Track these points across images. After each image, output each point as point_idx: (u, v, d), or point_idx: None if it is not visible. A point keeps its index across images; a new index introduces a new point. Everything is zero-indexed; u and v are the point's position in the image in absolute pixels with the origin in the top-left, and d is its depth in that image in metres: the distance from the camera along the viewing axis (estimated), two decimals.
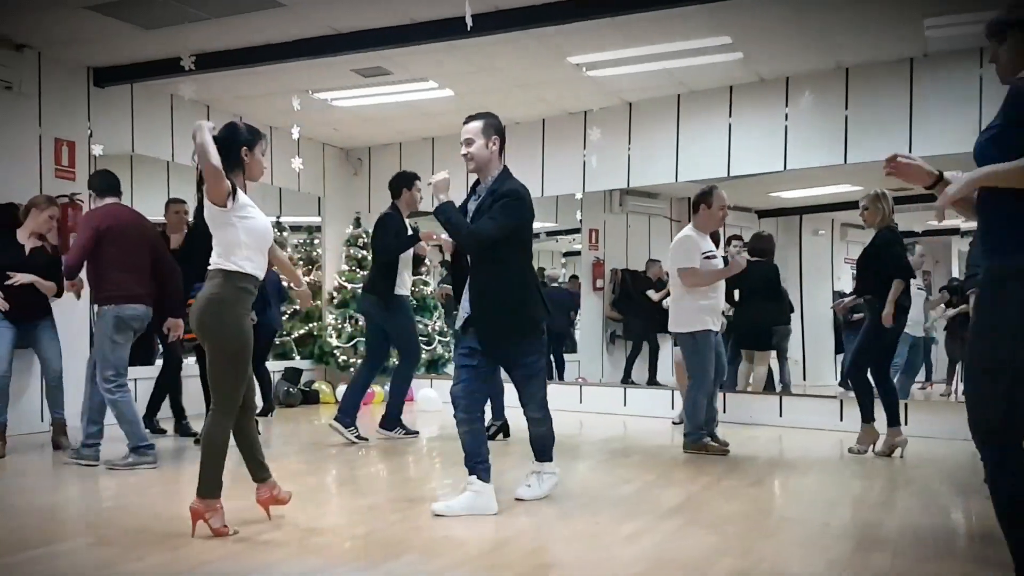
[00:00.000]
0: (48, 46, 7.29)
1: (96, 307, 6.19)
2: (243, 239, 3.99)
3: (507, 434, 7.13)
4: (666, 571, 3.44)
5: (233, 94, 8.63)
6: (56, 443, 6.46)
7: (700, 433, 6.45)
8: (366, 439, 6.85)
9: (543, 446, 4.85)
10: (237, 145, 4.09)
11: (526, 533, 4.14)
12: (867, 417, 6.43)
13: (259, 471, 4.28)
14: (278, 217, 10.07)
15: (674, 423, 8.14)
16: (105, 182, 6.09)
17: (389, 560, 3.58)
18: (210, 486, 3.93)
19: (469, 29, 6.09)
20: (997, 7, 3.18)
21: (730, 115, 8.51)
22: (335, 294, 10.36)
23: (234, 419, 4.05)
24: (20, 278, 6.13)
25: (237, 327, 3.97)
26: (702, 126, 8.67)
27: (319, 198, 10.64)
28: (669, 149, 8.82)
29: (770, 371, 8.79)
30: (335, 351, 10.05)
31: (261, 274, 4.12)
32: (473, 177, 4.71)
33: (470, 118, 4.57)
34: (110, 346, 5.70)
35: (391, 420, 7.15)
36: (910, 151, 7.47)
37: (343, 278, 10.32)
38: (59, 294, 6.42)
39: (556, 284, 10.92)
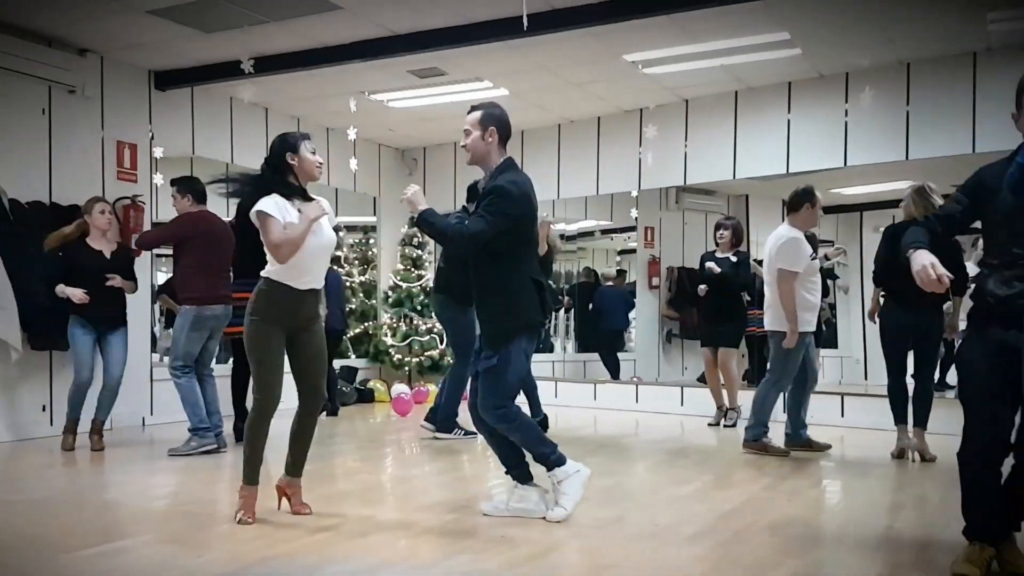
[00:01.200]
0: (110, 50, 7.44)
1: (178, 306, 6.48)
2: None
3: (545, 428, 7.09)
4: (729, 572, 3.40)
5: (291, 96, 8.73)
6: (93, 442, 6.46)
7: (762, 430, 6.35)
8: (473, 433, 6.74)
9: (531, 451, 4.35)
10: (281, 155, 4.22)
11: (582, 534, 4.12)
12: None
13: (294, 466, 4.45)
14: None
15: (709, 424, 8.05)
16: (199, 189, 6.47)
17: (447, 559, 3.59)
18: (249, 472, 4.26)
19: (525, 28, 6.10)
20: None
21: (789, 111, 8.40)
22: (390, 293, 10.43)
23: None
24: (116, 280, 6.38)
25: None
26: (760, 123, 8.58)
27: (374, 198, 10.73)
28: (727, 146, 8.74)
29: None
30: (390, 350, 10.12)
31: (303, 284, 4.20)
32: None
33: (471, 109, 4.38)
34: (185, 340, 6.21)
35: (447, 421, 7.07)
36: (973, 148, 7.42)
37: (398, 277, 10.39)
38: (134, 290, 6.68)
39: (609, 284, 10.90)
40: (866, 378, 9.76)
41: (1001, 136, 7.27)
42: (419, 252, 10.39)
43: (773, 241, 6.31)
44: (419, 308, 10.27)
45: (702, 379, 8.68)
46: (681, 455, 6.57)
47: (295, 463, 4.41)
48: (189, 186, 6.47)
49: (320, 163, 4.33)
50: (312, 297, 4.25)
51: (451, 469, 6.00)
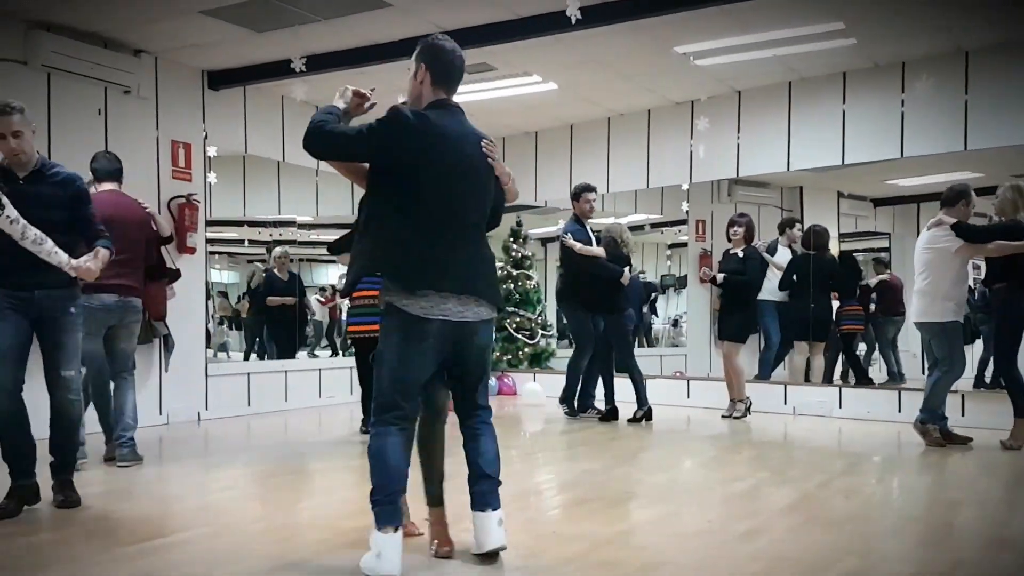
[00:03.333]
0: (164, 51, 7.55)
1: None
2: None
3: (650, 418, 7.66)
4: (784, 570, 3.35)
5: None
6: None
7: (931, 415, 6.29)
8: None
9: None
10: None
11: (635, 530, 4.10)
12: (1020, 412, 6.17)
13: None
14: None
15: (723, 416, 8.00)
16: (103, 167, 5.82)
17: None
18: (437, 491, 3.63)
19: (574, 23, 6.06)
20: None
21: (844, 102, 8.26)
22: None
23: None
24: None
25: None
26: (814, 113, 8.44)
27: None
28: (780, 137, 8.62)
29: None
30: None
31: None
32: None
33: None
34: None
35: (568, 401, 8.08)
36: None
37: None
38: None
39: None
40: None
41: None
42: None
43: (936, 229, 6.37)
44: None
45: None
46: (734, 451, 6.51)
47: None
48: (92, 164, 5.84)
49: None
50: None
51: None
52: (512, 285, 10.17)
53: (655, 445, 6.81)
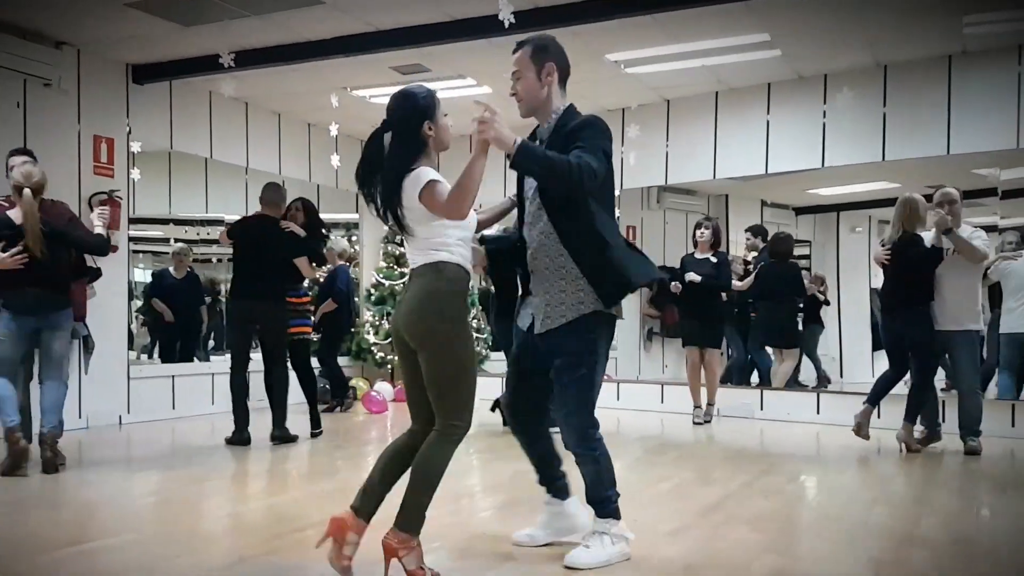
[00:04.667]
0: (87, 43, 7.38)
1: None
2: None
3: None
4: (708, 568, 3.43)
5: (272, 91, 8.69)
6: None
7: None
8: None
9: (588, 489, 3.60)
10: (417, 121, 3.34)
11: None
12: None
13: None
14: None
15: (695, 423, 8.05)
16: None
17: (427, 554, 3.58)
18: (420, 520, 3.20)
19: (507, 27, 6.10)
20: None
21: (768, 112, 8.47)
22: (372, 291, 10.40)
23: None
24: None
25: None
26: (740, 123, 8.64)
27: (356, 195, 10.67)
28: (707, 146, 8.79)
29: (797, 368, 8.84)
30: (372, 348, 10.09)
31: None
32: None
33: (517, 45, 3.51)
34: None
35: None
36: (948, 149, 7.54)
37: (380, 275, 10.36)
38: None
39: None
40: (841, 376, 9.86)
41: (975, 138, 7.44)
42: (402, 249, 10.36)
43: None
44: None
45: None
46: (661, 452, 6.61)
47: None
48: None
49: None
50: None
51: None
52: None
53: None
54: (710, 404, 8.08)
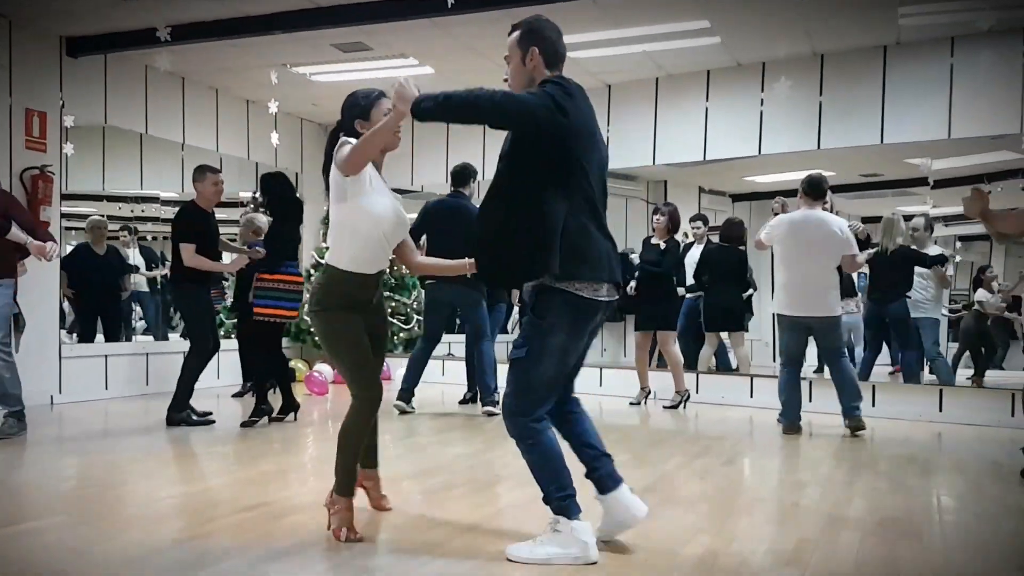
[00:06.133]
0: (20, 14, 7.19)
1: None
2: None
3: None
4: (641, 549, 3.49)
5: (210, 66, 8.55)
6: None
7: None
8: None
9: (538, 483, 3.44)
10: (350, 121, 3.63)
11: (499, 514, 4.18)
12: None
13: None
14: (253, 193, 9.98)
15: (631, 403, 8.21)
16: None
17: (373, 535, 3.59)
18: (348, 482, 3.60)
19: (450, 7, 6.09)
20: None
21: (707, 99, 8.57)
22: (312, 271, 10.30)
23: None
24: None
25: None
26: (680, 110, 8.73)
27: (296, 174, 10.58)
28: (647, 132, 8.87)
29: (721, 352, 8.97)
30: (311, 330, 10.00)
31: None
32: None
33: (512, 28, 3.47)
34: None
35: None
36: (882, 139, 7.69)
37: (320, 256, 10.27)
38: None
39: None
40: (774, 360, 10.04)
41: (909, 127, 7.63)
42: None
43: (832, 227, 6.52)
44: None
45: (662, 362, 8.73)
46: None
47: (369, 453, 3.95)
48: None
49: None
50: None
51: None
52: (388, 270, 10.12)
53: None
54: (677, 391, 8.07)
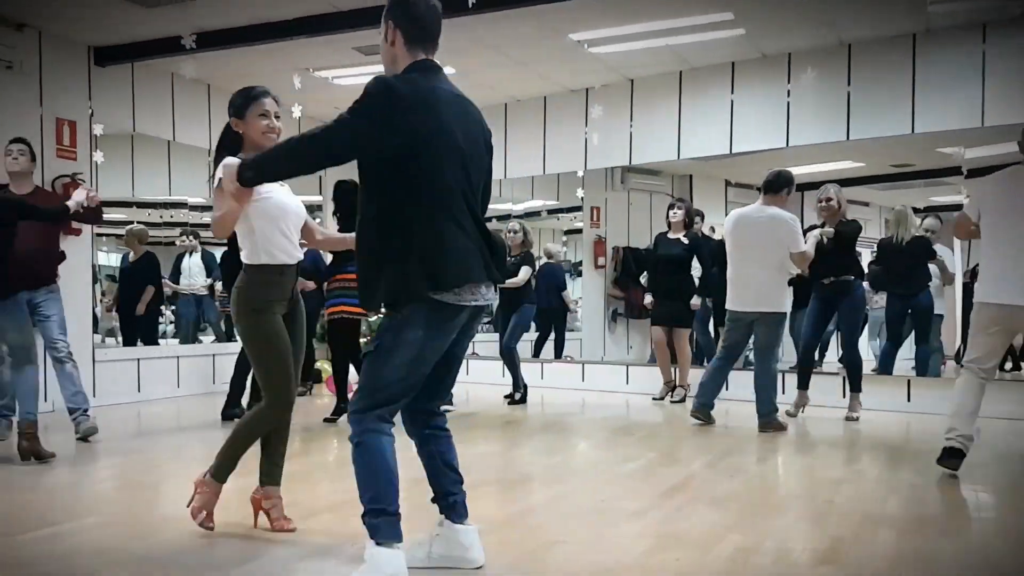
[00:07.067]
0: (48, 25, 7.28)
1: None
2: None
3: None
4: (672, 547, 3.46)
5: (234, 73, 8.57)
6: None
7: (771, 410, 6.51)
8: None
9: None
10: (228, 127, 3.76)
11: (529, 511, 4.16)
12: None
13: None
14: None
15: (654, 399, 8.23)
16: None
17: None
18: (225, 467, 3.71)
19: (471, 6, 6.07)
20: None
21: (732, 92, 8.49)
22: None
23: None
24: None
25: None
26: (704, 103, 8.65)
27: (320, 177, 10.58)
28: (671, 126, 8.81)
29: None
30: None
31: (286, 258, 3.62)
32: None
33: None
34: None
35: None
36: (912, 128, 7.58)
37: None
38: None
39: (548, 261, 10.80)
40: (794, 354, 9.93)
41: (940, 116, 7.51)
42: None
43: (777, 222, 6.45)
44: None
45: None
46: (626, 433, 6.65)
47: (271, 470, 3.78)
48: None
49: (269, 126, 3.80)
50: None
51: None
52: None
53: (550, 428, 6.91)
54: (679, 385, 8.15)
